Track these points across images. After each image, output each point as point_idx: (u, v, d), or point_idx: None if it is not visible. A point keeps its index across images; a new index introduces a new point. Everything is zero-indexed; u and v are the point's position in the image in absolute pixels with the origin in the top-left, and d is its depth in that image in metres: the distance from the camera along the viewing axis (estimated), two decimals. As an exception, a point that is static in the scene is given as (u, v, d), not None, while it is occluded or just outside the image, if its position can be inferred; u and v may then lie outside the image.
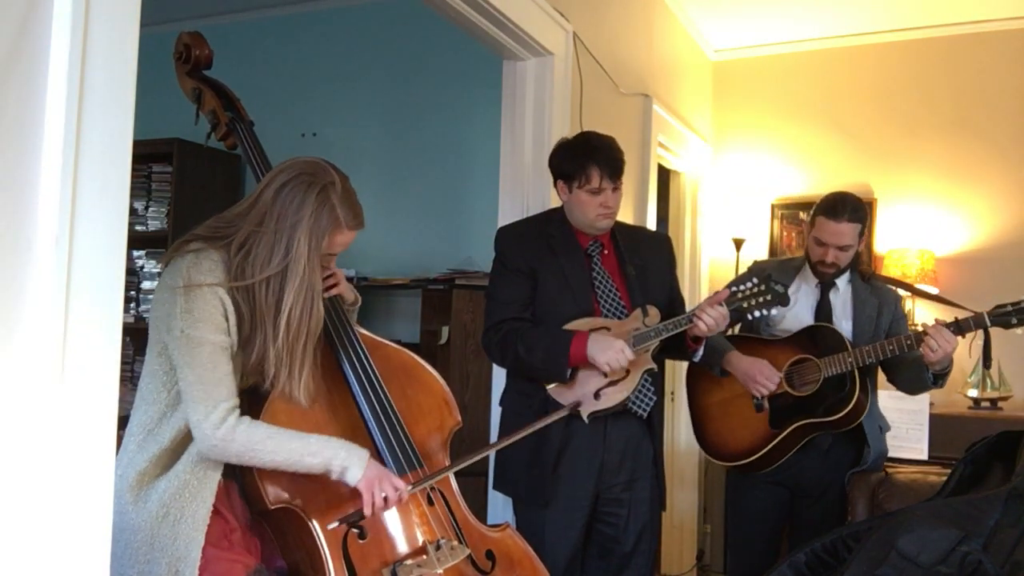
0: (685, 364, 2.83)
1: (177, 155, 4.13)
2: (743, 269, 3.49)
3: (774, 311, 2.33)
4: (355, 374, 1.78)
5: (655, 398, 2.37)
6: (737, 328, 2.85)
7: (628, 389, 2.27)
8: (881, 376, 2.74)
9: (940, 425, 3.34)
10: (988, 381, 3.73)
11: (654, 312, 2.30)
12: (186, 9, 4.13)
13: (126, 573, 1.56)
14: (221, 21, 4.43)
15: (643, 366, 2.28)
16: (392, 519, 1.76)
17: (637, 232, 2.64)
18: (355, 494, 1.66)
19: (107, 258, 1.30)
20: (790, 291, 2.54)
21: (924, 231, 4.16)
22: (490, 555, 1.87)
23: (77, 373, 1.25)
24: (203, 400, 1.55)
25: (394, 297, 4.11)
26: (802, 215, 4.37)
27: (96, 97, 1.27)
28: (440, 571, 1.73)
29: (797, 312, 2.69)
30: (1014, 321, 2.38)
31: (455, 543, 1.80)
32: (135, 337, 4.09)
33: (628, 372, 2.26)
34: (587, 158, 2.28)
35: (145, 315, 4.12)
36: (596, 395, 2.25)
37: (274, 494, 1.63)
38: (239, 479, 1.69)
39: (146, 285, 4.22)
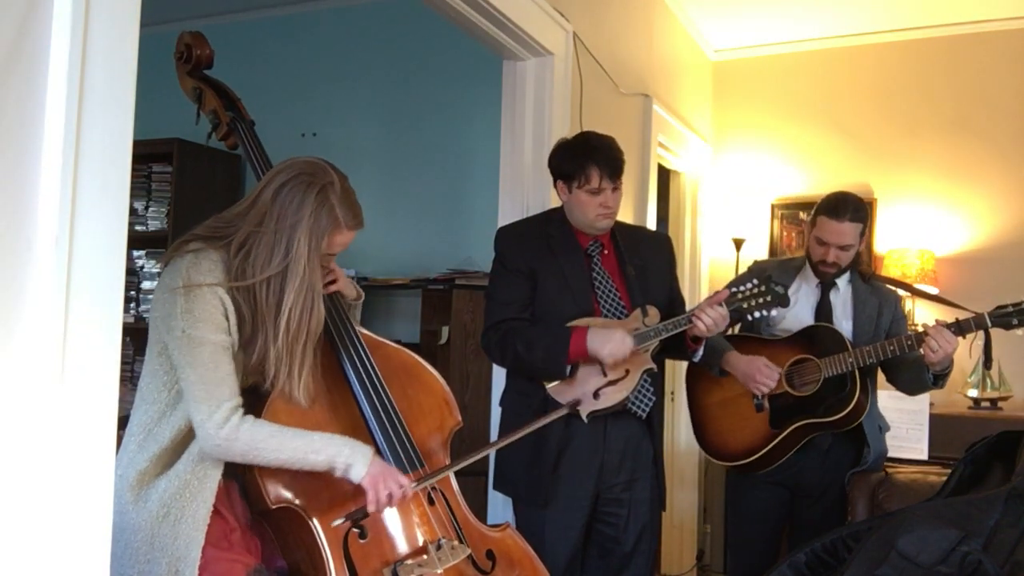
0: (685, 364, 2.83)
1: (177, 155, 4.13)
2: (743, 269, 3.49)
3: (774, 312, 2.33)
4: (356, 373, 1.78)
5: (654, 398, 2.37)
6: (737, 328, 2.85)
7: (627, 389, 2.27)
8: (881, 376, 2.74)
9: (940, 425, 3.34)
10: (988, 381, 3.73)
11: (654, 312, 2.30)
12: (186, 9, 4.13)
13: (126, 573, 1.56)
14: (221, 21, 4.44)
15: (643, 366, 2.28)
16: (393, 519, 1.76)
17: (637, 232, 2.64)
18: (357, 493, 1.66)
19: (107, 258, 1.30)
20: (790, 291, 2.54)
21: (924, 231, 4.16)
22: (490, 555, 1.87)
23: (77, 373, 1.25)
24: (206, 400, 1.55)
25: (394, 297, 4.11)
26: (802, 215, 4.37)
27: (96, 97, 1.27)
28: (440, 571, 1.73)
29: (797, 312, 2.69)
30: (1015, 322, 2.39)
31: (456, 543, 1.80)
32: (135, 337, 4.09)
33: (627, 372, 2.26)
34: (587, 158, 2.27)
35: (145, 315, 4.12)
36: (595, 395, 2.25)
37: (275, 494, 1.63)
38: (239, 479, 1.69)
39: (146, 285, 4.22)
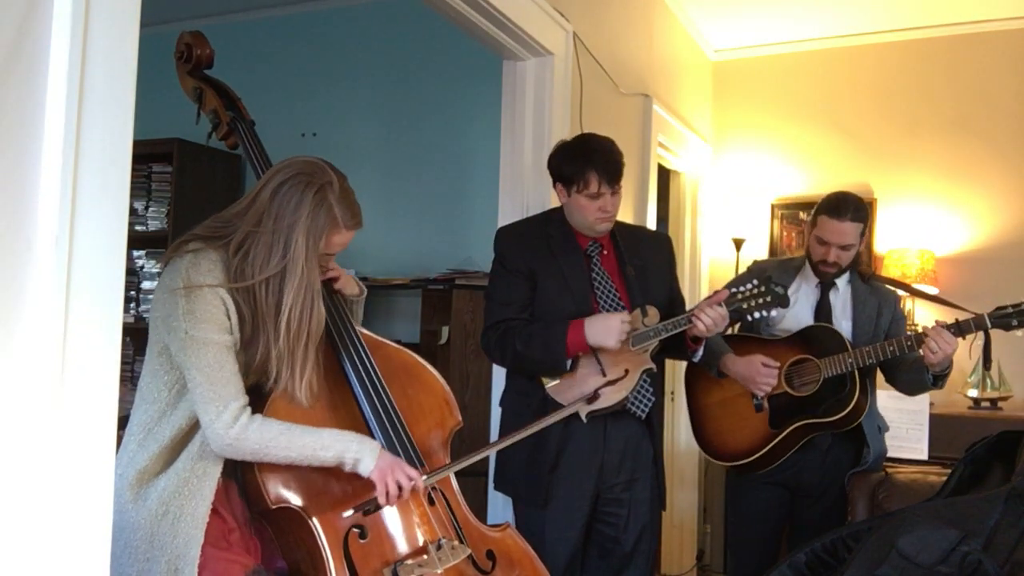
0: (685, 364, 2.83)
1: (177, 155, 4.13)
2: (743, 269, 3.49)
3: (774, 312, 2.33)
4: (356, 373, 1.78)
5: (654, 398, 2.37)
6: (736, 328, 2.85)
7: (627, 389, 2.27)
8: (880, 377, 2.74)
9: (940, 425, 3.34)
10: (988, 381, 3.73)
11: (653, 312, 2.29)
12: (186, 9, 4.13)
13: (126, 571, 1.57)
14: (221, 21, 4.43)
15: (642, 366, 2.28)
16: (393, 518, 1.76)
17: (637, 232, 2.64)
18: (358, 493, 1.67)
19: (107, 258, 1.30)
20: (790, 291, 2.54)
21: (924, 231, 4.16)
22: (490, 555, 1.87)
23: (77, 373, 1.25)
24: (213, 400, 1.55)
25: (394, 297, 4.11)
26: (802, 215, 4.37)
27: (96, 97, 1.27)
28: (441, 571, 1.73)
29: (797, 312, 2.69)
30: (1014, 323, 2.39)
31: (456, 543, 1.80)
32: (135, 337, 4.09)
33: (627, 372, 2.26)
34: (586, 163, 2.27)
35: (145, 315, 4.12)
36: (595, 394, 2.25)
37: (275, 494, 1.63)
38: (239, 479, 1.69)
39: (146, 285, 4.22)
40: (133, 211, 3.56)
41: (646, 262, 2.44)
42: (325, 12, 4.36)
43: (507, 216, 2.84)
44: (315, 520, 1.65)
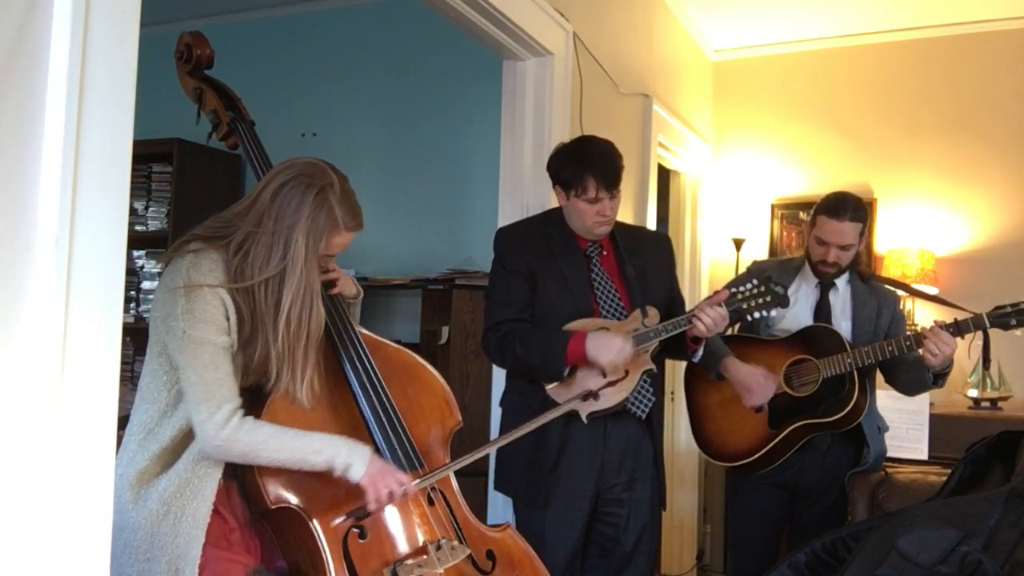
0: (685, 364, 2.83)
1: (177, 155, 4.13)
2: (743, 269, 3.49)
3: (773, 312, 2.33)
4: (356, 374, 1.78)
5: (654, 399, 2.37)
6: (736, 328, 2.85)
7: (627, 390, 2.27)
8: (880, 377, 2.74)
9: (940, 425, 3.33)
10: (988, 381, 3.72)
11: (653, 313, 2.30)
12: (186, 9, 4.13)
13: (126, 571, 1.57)
14: (221, 21, 4.44)
15: (642, 367, 2.28)
16: (393, 519, 1.76)
17: (637, 232, 2.64)
18: (357, 493, 1.66)
19: (107, 258, 1.30)
20: (790, 291, 2.54)
21: (924, 231, 4.16)
22: (490, 555, 1.87)
23: (77, 373, 1.25)
24: (206, 401, 1.55)
25: (394, 297, 4.11)
26: (802, 215, 4.37)
27: (96, 97, 1.27)
28: (440, 571, 1.73)
29: (796, 312, 2.69)
30: (1013, 322, 2.39)
31: (456, 543, 1.80)
32: (135, 337, 4.10)
33: (627, 373, 2.26)
34: (584, 168, 2.27)
35: (145, 315, 4.12)
36: (595, 395, 2.25)
37: (275, 494, 1.63)
38: (239, 479, 1.69)
39: (146, 285, 4.22)
40: (133, 211, 3.56)
41: (646, 262, 2.44)
42: (325, 12, 4.36)
43: (507, 216, 2.84)
44: (314, 520, 1.65)
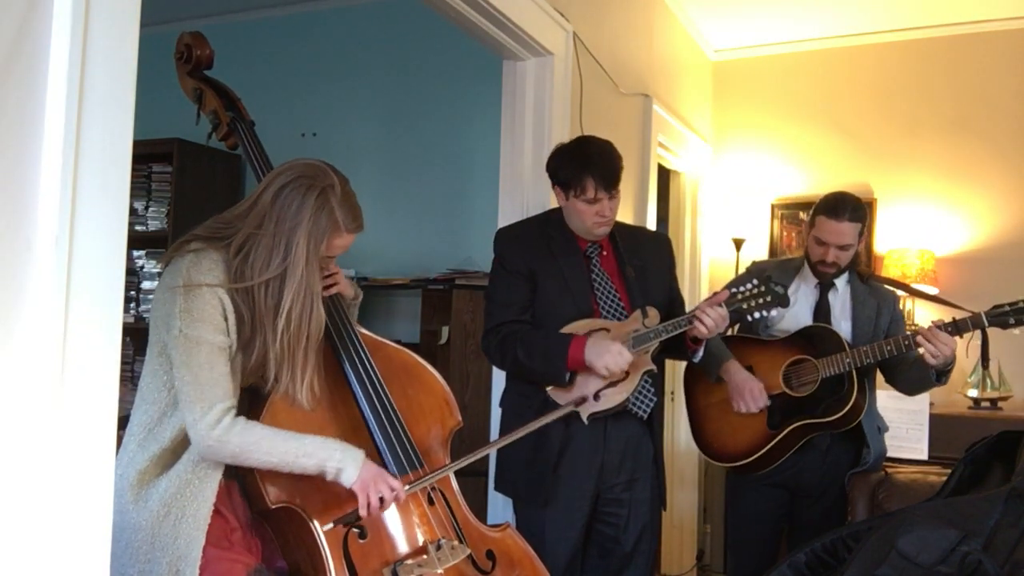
0: (684, 364, 2.83)
1: (177, 155, 4.13)
2: (743, 269, 3.49)
3: (774, 312, 2.33)
4: (356, 374, 1.78)
5: (655, 399, 2.37)
6: (736, 328, 2.85)
7: (628, 390, 2.27)
8: (880, 377, 2.74)
9: (940, 425, 3.33)
10: (988, 381, 3.72)
11: (653, 313, 2.29)
12: (186, 9, 4.13)
13: (127, 572, 1.57)
14: (221, 21, 4.44)
15: (643, 367, 2.28)
16: (393, 519, 1.76)
17: (637, 233, 2.64)
18: (354, 495, 1.66)
19: (107, 258, 1.30)
20: (789, 291, 2.54)
21: (924, 231, 4.16)
22: (490, 555, 1.88)
23: (77, 373, 1.25)
24: (199, 400, 1.55)
25: (394, 297, 4.11)
26: (802, 215, 4.37)
27: (96, 97, 1.27)
28: (440, 571, 1.73)
29: (796, 312, 2.69)
30: (1011, 321, 2.39)
31: (456, 543, 1.80)
32: (135, 337, 4.10)
33: (628, 373, 2.25)
34: (583, 168, 2.27)
35: (145, 315, 4.12)
36: (596, 396, 2.25)
37: (275, 494, 1.63)
38: (240, 479, 1.69)
39: (146, 285, 4.22)
40: (133, 211, 3.56)
41: (646, 263, 2.44)
42: (325, 12, 4.36)
43: (507, 216, 2.84)
44: (315, 520, 1.65)
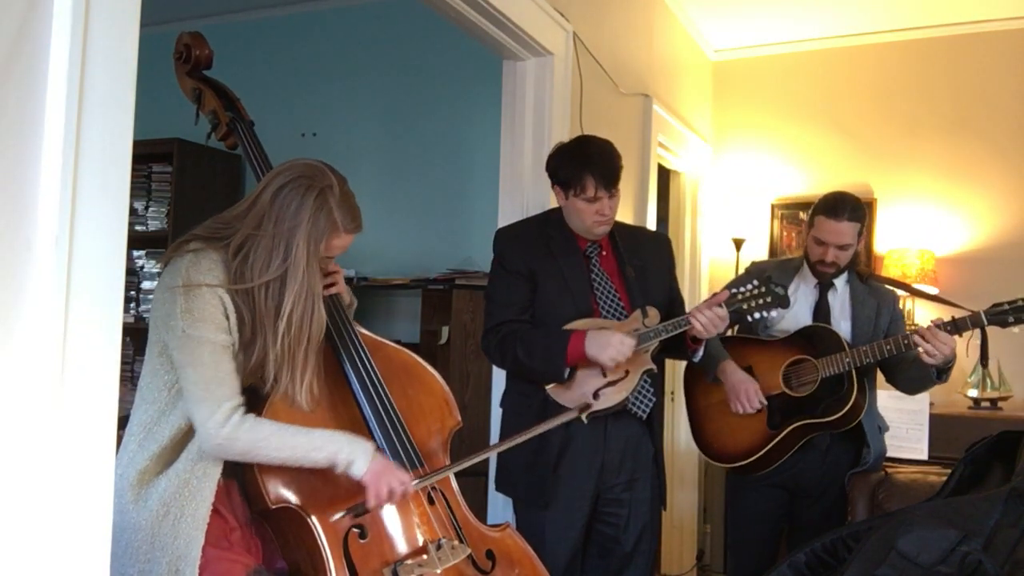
0: (684, 364, 2.83)
1: (177, 155, 4.13)
2: (743, 269, 3.49)
3: (774, 313, 2.33)
4: (356, 374, 1.78)
5: (655, 399, 2.37)
6: (735, 329, 2.84)
7: (627, 389, 2.27)
8: (880, 377, 2.74)
9: (940, 425, 3.33)
10: (988, 381, 3.73)
11: (653, 313, 2.30)
12: (186, 9, 4.13)
13: (127, 572, 1.57)
14: (221, 21, 4.44)
15: (642, 366, 2.28)
16: (392, 518, 1.76)
17: (636, 233, 2.64)
18: (356, 493, 1.66)
19: (107, 258, 1.30)
20: (788, 291, 2.54)
21: (924, 231, 4.16)
22: (490, 555, 1.87)
23: (77, 373, 1.25)
24: (206, 399, 1.55)
25: (394, 297, 4.11)
26: (802, 215, 4.37)
27: (96, 97, 1.27)
28: (440, 571, 1.73)
29: (795, 313, 2.69)
30: (1011, 320, 2.39)
31: (456, 543, 1.80)
32: (135, 337, 4.10)
33: (627, 372, 2.26)
34: (582, 167, 2.27)
35: (145, 315, 4.12)
36: (595, 395, 2.25)
37: (275, 494, 1.63)
38: (239, 479, 1.69)
39: (146, 285, 4.22)
40: (133, 211, 3.56)
41: (645, 263, 2.44)
42: (325, 12, 4.36)
43: (507, 216, 2.84)
44: (315, 520, 1.65)
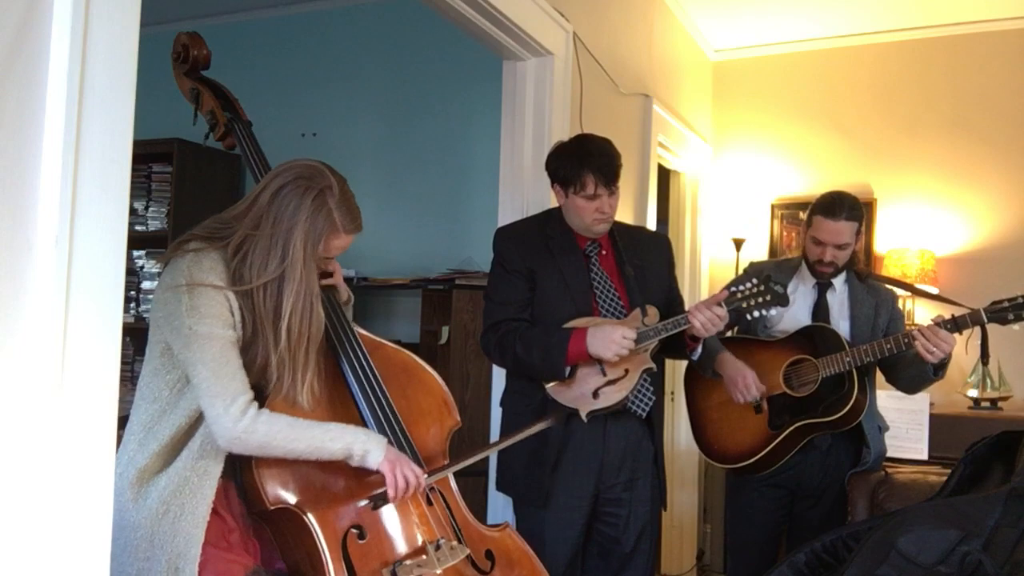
0: (685, 364, 2.83)
1: (177, 155, 4.14)
2: (743, 269, 3.49)
3: (773, 311, 2.33)
4: (355, 375, 1.78)
5: (654, 398, 2.37)
6: (735, 329, 2.84)
7: (627, 388, 2.27)
8: (880, 376, 2.74)
9: (940, 425, 3.33)
10: (988, 381, 3.73)
11: (653, 312, 2.30)
12: (186, 9, 4.13)
13: (126, 570, 1.56)
14: (221, 21, 4.44)
15: (642, 365, 2.28)
16: (391, 519, 1.76)
17: (636, 232, 2.64)
18: (355, 494, 1.67)
19: (107, 258, 1.30)
20: (787, 291, 2.54)
21: (924, 231, 4.16)
22: (489, 555, 1.87)
23: (77, 373, 1.25)
24: (220, 395, 1.55)
25: (394, 297, 4.11)
26: (802, 215, 4.35)
27: (96, 97, 1.27)
28: (439, 571, 1.73)
29: (794, 312, 2.69)
30: (1010, 317, 2.38)
31: (454, 543, 1.80)
32: (135, 337, 4.09)
33: (627, 371, 2.26)
34: (582, 165, 2.27)
35: (145, 315, 4.12)
36: (595, 394, 2.25)
37: (273, 495, 1.63)
38: (238, 480, 1.69)
39: (146, 285, 4.22)
40: (133, 211, 3.56)
41: (645, 262, 2.44)
42: (325, 12, 4.36)
43: (507, 216, 2.84)
44: (314, 521, 1.64)
